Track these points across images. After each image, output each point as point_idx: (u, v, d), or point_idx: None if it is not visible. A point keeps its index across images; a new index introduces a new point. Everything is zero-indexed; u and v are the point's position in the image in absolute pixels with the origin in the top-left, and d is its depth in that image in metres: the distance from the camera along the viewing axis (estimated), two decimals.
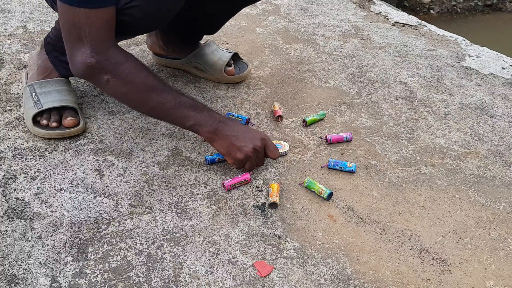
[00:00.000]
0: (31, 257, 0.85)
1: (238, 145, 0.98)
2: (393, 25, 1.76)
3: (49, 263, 0.84)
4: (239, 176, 1.02)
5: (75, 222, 0.92)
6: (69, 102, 1.13)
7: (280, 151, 1.10)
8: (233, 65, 1.35)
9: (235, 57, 1.38)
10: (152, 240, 0.89)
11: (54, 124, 1.10)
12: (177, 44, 1.36)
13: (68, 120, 1.11)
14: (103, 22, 0.92)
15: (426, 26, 1.76)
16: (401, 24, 1.77)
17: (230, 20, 1.65)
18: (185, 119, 0.98)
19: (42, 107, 1.10)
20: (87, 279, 0.82)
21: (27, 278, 0.82)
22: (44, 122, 1.10)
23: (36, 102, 1.11)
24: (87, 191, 0.99)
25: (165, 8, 0.98)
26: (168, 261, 0.85)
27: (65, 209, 0.94)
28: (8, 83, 1.31)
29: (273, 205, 0.97)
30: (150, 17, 0.98)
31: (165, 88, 0.98)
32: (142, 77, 0.96)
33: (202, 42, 1.39)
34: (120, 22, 0.96)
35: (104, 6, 0.91)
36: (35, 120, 1.11)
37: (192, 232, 0.91)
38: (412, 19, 1.81)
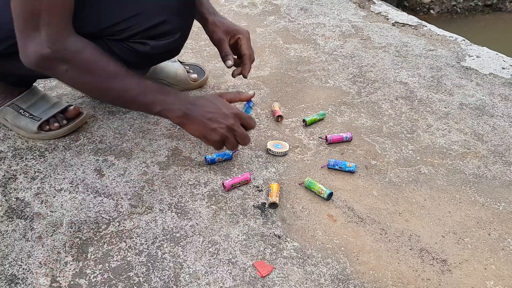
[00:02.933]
0: (31, 257, 0.85)
1: (211, 127, 0.93)
2: (393, 25, 1.76)
3: (49, 263, 0.84)
4: (239, 176, 1.02)
5: (75, 222, 0.92)
6: (60, 105, 1.14)
7: (280, 151, 1.10)
8: (188, 67, 1.33)
9: (181, 63, 1.36)
10: (152, 240, 0.89)
11: (64, 121, 1.12)
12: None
13: (71, 111, 1.13)
14: (64, 11, 0.87)
15: (426, 26, 1.76)
16: (401, 24, 1.77)
17: (230, 20, 1.65)
18: (152, 105, 0.92)
19: (42, 118, 1.10)
20: (87, 279, 0.82)
21: (27, 278, 0.82)
22: (56, 125, 1.11)
23: (31, 116, 1.10)
24: (87, 191, 0.99)
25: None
26: (168, 261, 0.85)
27: (65, 209, 0.94)
28: None
29: (273, 205, 0.97)
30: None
31: (128, 73, 0.92)
32: (103, 64, 0.91)
33: None
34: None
35: None
36: (40, 129, 1.11)
37: (192, 232, 0.91)
38: (412, 19, 1.81)
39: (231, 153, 1.08)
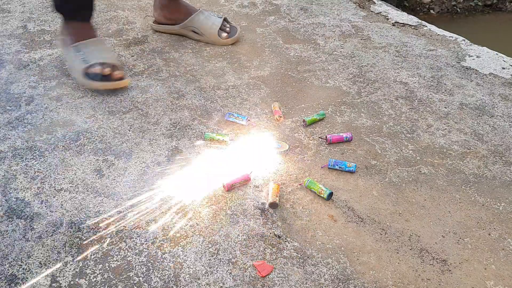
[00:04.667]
0: (31, 257, 0.85)
1: None
2: (393, 25, 1.76)
3: (49, 263, 0.84)
4: (239, 176, 1.02)
5: (75, 222, 0.92)
6: (111, 60, 1.28)
7: (280, 149, 1.10)
8: (229, 28, 1.55)
9: (226, 21, 1.57)
10: (152, 240, 0.89)
11: (106, 70, 1.23)
12: (179, 10, 1.55)
13: (117, 74, 1.25)
14: None
15: (426, 26, 1.76)
16: (401, 24, 1.77)
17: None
18: None
19: (89, 62, 1.24)
20: (87, 279, 0.82)
21: (27, 278, 0.82)
22: (98, 68, 1.23)
23: (85, 59, 1.25)
24: (87, 191, 0.99)
25: None
26: (168, 261, 0.85)
27: (65, 209, 0.94)
28: (8, 83, 1.31)
29: (273, 205, 0.97)
30: None
31: None
32: None
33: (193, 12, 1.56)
34: None
35: None
36: (86, 75, 1.24)
37: (192, 232, 0.91)
38: (412, 19, 1.81)
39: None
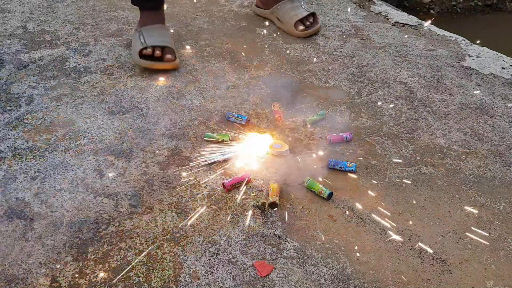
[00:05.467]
0: (31, 257, 0.85)
1: None
2: (393, 25, 1.76)
3: (49, 263, 0.84)
4: (239, 176, 1.02)
5: (75, 222, 0.92)
6: (167, 43, 1.39)
7: (279, 150, 1.10)
8: (310, 23, 1.60)
9: (313, 16, 1.64)
10: (152, 240, 0.89)
11: (157, 52, 1.36)
12: None
13: (168, 57, 1.36)
14: None
15: (426, 26, 1.76)
16: (401, 24, 1.77)
17: (230, 20, 1.64)
18: None
19: (147, 44, 1.37)
20: (87, 279, 0.82)
21: (27, 278, 0.82)
22: (149, 51, 1.36)
23: (143, 42, 1.38)
24: (87, 191, 0.99)
25: None
26: (168, 261, 0.86)
27: (65, 209, 0.94)
28: (8, 83, 1.31)
29: (273, 205, 0.97)
30: None
31: None
32: None
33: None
34: None
35: None
36: (141, 55, 1.36)
37: (192, 232, 0.91)
38: (412, 19, 1.81)
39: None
